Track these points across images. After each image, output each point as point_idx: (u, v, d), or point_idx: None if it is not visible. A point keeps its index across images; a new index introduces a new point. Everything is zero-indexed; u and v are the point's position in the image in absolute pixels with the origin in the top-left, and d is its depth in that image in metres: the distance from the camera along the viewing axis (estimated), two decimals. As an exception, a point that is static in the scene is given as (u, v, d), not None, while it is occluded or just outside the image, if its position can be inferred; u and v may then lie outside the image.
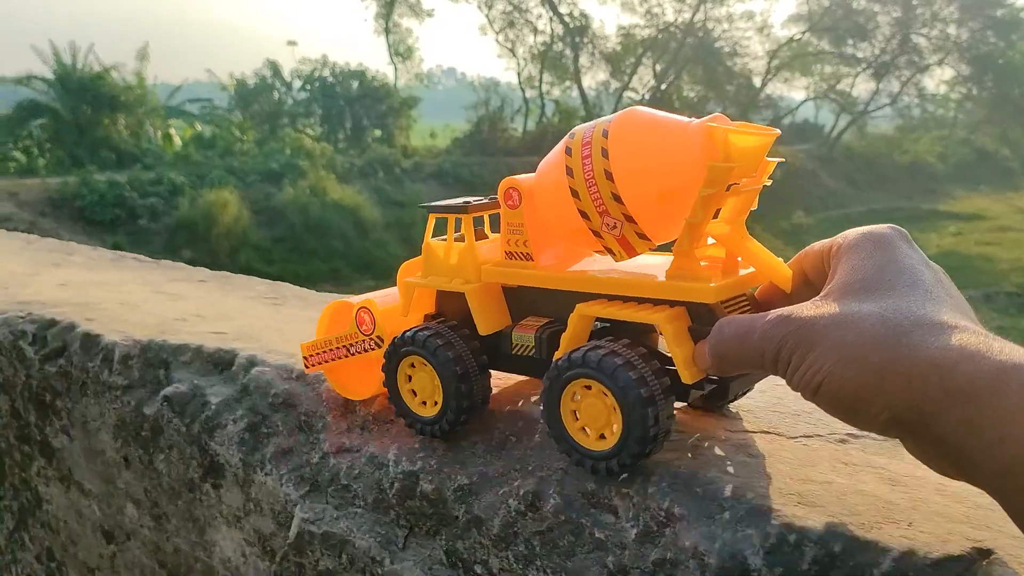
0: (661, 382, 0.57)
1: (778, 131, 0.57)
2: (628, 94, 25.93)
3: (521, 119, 25.24)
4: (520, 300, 0.67)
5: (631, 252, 0.60)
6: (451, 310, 0.70)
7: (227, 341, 0.97)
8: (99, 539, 1.06)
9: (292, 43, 28.03)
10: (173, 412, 0.91)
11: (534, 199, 0.64)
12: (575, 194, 0.59)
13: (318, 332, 0.80)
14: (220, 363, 0.93)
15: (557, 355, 0.60)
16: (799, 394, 0.51)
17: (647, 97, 26.25)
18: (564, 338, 0.61)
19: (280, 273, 13.52)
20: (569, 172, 0.59)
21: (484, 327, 0.67)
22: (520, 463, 0.66)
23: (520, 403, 0.73)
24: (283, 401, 0.84)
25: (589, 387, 0.58)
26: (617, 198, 0.57)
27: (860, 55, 27.26)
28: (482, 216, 0.71)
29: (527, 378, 0.76)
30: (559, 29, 25.59)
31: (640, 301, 0.59)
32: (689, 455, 0.62)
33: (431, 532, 0.69)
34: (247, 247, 15.14)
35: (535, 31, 25.87)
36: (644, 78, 26.73)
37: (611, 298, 0.61)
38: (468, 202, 0.68)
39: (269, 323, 1.08)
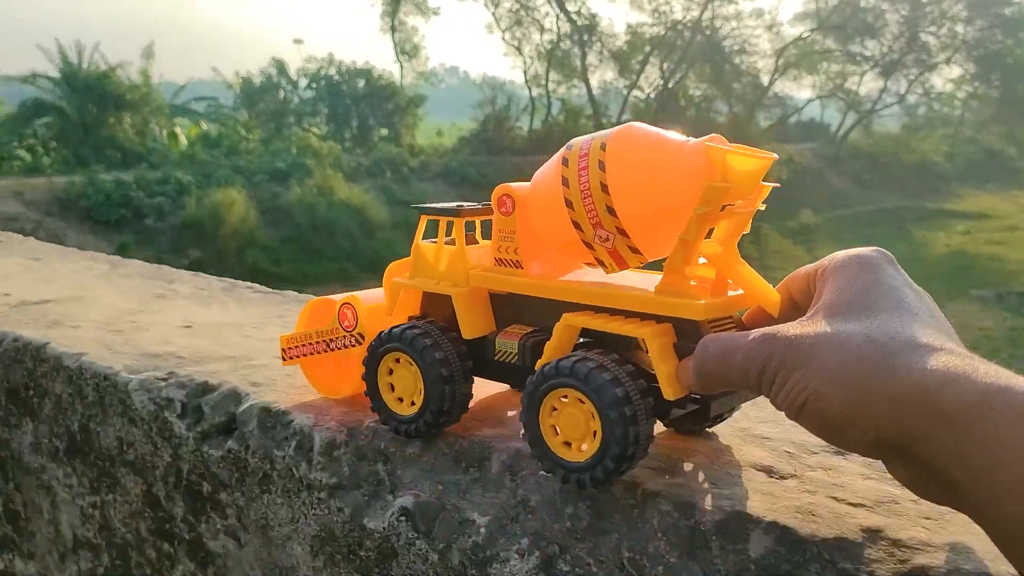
0: (645, 402, 0.56)
1: (775, 156, 0.57)
2: (634, 92, 25.99)
3: (526, 118, 25.31)
4: (507, 307, 0.67)
5: (622, 265, 0.60)
6: (436, 313, 0.69)
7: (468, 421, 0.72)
8: None
9: (298, 41, 28.19)
10: (415, 531, 0.66)
11: (528, 207, 0.64)
12: (569, 204, 0.59)
13: (297, 326, 0.80)
14: (469, 457, 0.68)
15: (539, 364, 0.60)
16: (783, 413, 0.50)
17: (653, 96, 26.29)
18: (548, 347, 0.61)
19: (288, 273, 13.60)
20: (565, 182, 0.59)
21: (469, 331, 0.66)
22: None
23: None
24: (588, 524, 0.60)
25: (571, 397, 0.57)
26: (611, 211, 0.57)
27: (868, 53, 27.28)
28: (474, 221, 0.70)
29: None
30: (566, 27, 25.66)
31: (627, 315, 0.59)
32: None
33: None
34: (254, 247, 15.21)
35: (542, 29, 25.95)
36: (650, 77, 26.80)
37: (598, 310, 0.60)
38: (461, 206, 0.68)
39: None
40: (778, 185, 0.60)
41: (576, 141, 0.61)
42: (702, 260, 0.62)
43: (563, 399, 0.58)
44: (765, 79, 27.26)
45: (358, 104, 23.84)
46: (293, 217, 16.07)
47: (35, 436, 0.99)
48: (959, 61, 27.70)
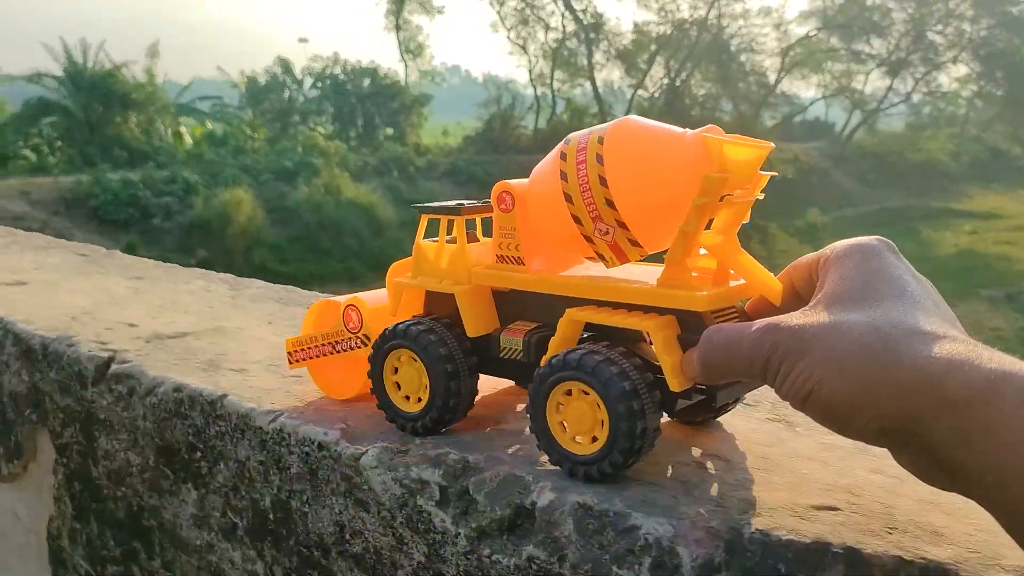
0: (652, 395, 0.56)
1: (772, 144, 0.57)
2: (639, 91, 25.96)
3: (531, 117, 25.30)
4: (510, 304, 0.67)
5: (623, 258, 0.60)
6: (440, 312, 0.70)
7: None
8: None
9: (303, 40, 28.22)
10: None
11: (527, 203, 0.64)
12: (569, 199, 0.59)
13: (303, 329, 0.80)
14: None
15: (544, 359, 0.60)
16: (788, 403, 0.50)
17: (658, 95, 26.26)
18: (553, 342, 0.61)
19: (295, 272, 13.60)
20: (563, 177, 0.59)
21: (473, 329, 0.66)
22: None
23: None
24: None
25: (579, 391, 0.58)
26: (611, 204, 0.57)
27: (874, 52, 27.23)
28: (474, 219, 0.71)
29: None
30: (572, 26, 25.64)
31: (630, 308, 0.59)
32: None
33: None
34: (261, 246, 15.23)
35: (547, 28, 25.93)
36: (655, 75, 26.78)
37: (601, 304, 0.60)
38: (461, 204, 0.69)
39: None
40: (776, 175, 0.60)
41: (574, 136, 0.61)
42: (703, 251, 0.62)
43: (579, 391, 0.58)
44: (771, 78, 27.25)
45: (363, 103, 23.87)
46: (300, 216, 16.10)
47: (201, 507, 0.81)
48: (965, 60, 27.64)
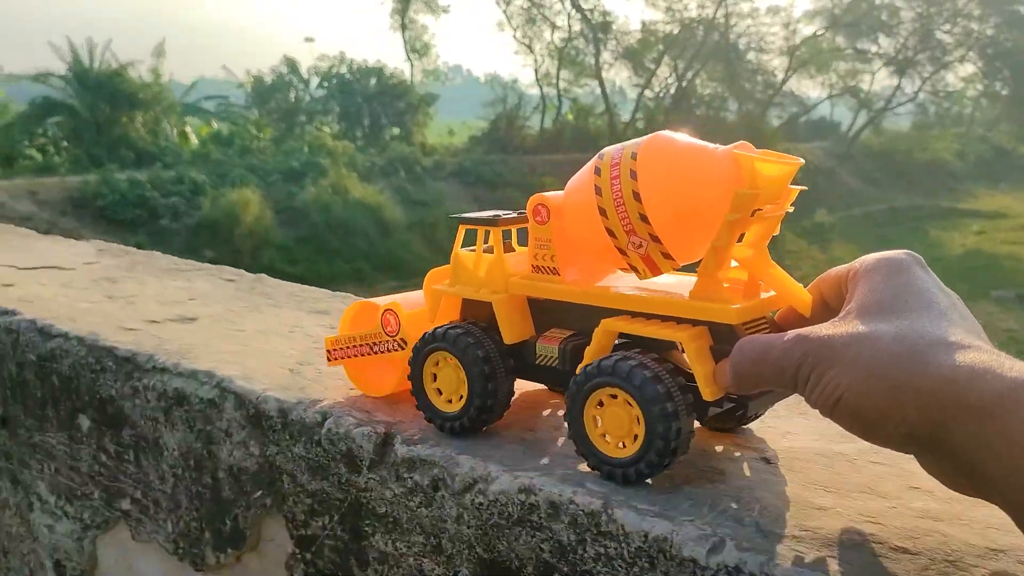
0: (685, 398, 0.58)
1: (802, 160, 0.59)
2: (646, 91, 25.89)
3: (536, 117, 25.25)
4: (545, 312, 0.69)
5: (655, 271, 0.62)
6: (476, 317, 0.72)
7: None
8: None
9: (309, 39, 28.20)
10: None
11: (562, 216, 0.66)
12: (603, 213, 0.61)
13: (340, 329, 0.82)
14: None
15: (580, 368, 0.62)
16: (818, 411, 0.52)
17: (663, 94, 26.20)
18: (588, 351, 0.63)
19: (303, 273, 13.58)
20: (598, 191, 0.61)
21: (509, 336, 0.69)
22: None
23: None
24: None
25: (615, 396, 0.60)
26: (644, 218, 0.59)
27: (881, 51, 27.15)
28: (510, 230, 0.73)
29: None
30: (578, 25, 25.60)
31: (663, 319, 0.61)
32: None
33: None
34: (270, 247, 15.21)
35: (553, 27, 25.89)
36: (661, 75, 26.71)
37: (635, 315, 0.62)
38: (498, 215, 0.70)
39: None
40: (805, 188, 0.62)
41: (607, 151, 0.63)
42: (734, 263, 0.64)
43: (612, 397, 0.60)
44: (778, 77, 27.17)
45: (370, 103, 23.82)
46: (308, 217, 16.07)
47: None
48: (972, 59, 27.56)
